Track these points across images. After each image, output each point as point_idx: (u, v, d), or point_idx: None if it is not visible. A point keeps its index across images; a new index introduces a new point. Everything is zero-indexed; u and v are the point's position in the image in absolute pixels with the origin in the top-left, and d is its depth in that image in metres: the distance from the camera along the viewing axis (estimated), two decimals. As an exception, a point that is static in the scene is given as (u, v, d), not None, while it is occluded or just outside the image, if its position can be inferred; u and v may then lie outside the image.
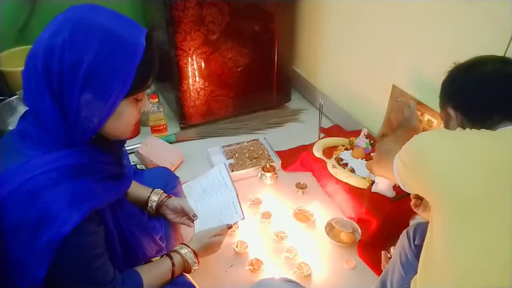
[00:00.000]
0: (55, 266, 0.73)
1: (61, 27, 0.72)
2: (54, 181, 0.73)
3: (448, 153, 0.74)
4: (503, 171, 0.70)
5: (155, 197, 1.19)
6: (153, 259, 1.06)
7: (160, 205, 1.19)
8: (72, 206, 0.73)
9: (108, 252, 0.84)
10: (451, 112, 0.88)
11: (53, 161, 0.75)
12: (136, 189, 1.18)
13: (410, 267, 1.07)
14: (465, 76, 0.89)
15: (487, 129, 0.79)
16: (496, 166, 0.70)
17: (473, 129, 0.78)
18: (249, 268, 1.37)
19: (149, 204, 1.18)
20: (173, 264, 1.01)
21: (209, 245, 1.11)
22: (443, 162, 0.73)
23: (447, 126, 0.91)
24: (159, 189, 1.21)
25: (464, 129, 0.82)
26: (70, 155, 0.76)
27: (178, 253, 1.05)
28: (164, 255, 1.04)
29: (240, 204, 1.21)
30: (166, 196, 1.21)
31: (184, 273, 1.07)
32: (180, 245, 1.08)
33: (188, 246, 1.08)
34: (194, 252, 1.07)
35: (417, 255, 1.06)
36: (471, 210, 0.71)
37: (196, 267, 1.07)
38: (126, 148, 1.86)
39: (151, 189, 1.20)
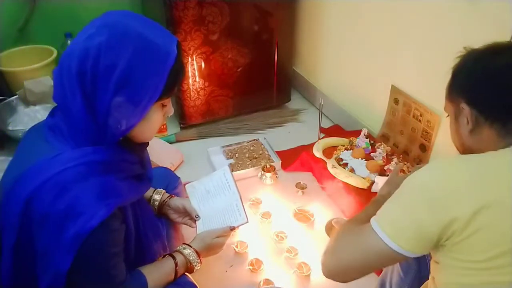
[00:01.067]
0: (77, 260, 0.74)
1: (99, 30, 0.74)
2: (83, 175, 0.75)
3: (464, 182, 0.65)
4: None
5: (157, 196, 1.19)
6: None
7: (162, 204, 1.19)
8: (100, 200, 0.75)
9: (124, 252, 0.85)
10: (465, 107, 0.75)
11: (83, 155, 0.77)
12: None
13: (408, 268, 1.07)
14: (483, 66, 0.74)
15: (507, 132, 0.71)
16: None
17: (486, 157, 0.69)
18: (249, 268, 1.37)
19: (152, 204, 1.18)
20: (176, 264, 1.01)
21: (212, 246, 1.11)
22: (465, 190, 0.65)
23: (456, 121, 0.79)
24: (161, 189, 1.22)
25: (479, 129, 0.74)
26: (99, 151, 0.78)
27: (181, 253, 1.05)
28: (167, 255, 1.04)
29: (244, 207, 1.21)
30: (169, 196, 1.21)
31: (186, 273, 1.07)
32: (183, 245, 1.09)
33: (191, 246, 1.08)
34: (197, 252, 1.07)
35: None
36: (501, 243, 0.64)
37: (199, 267, 1.08)
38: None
39: (153, 189, 1.21)
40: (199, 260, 1.07)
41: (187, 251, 1.06)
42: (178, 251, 1.06)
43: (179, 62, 0.80)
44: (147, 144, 0.93)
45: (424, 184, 0.68)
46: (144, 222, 0.96)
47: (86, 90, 0.74)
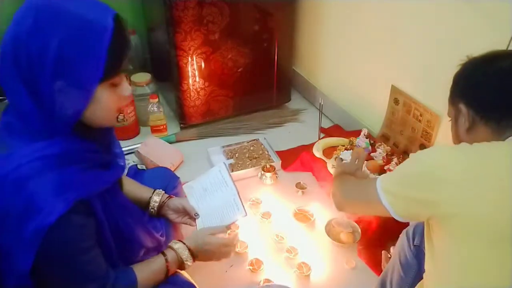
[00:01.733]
0: (42, 259, 0.73)
1: (25, 14, 0.71)
2: (39, 171, 0.73)
3: (460, 169, 0.71)
4: None
5: (156, 197, 1.18)
6: (155, 257, 1.06)
7: (161, 205, 1.19)
8: (57, 195, 0.72)
9: (100, 245, 0.83)
10: (463, 108, 0.82)
11: (37, 150, 0.74)
12: (138, 190, 1.18)
13: (409, 267, 1.07)
14: (482, 71, 0.83)
15: (501, 129, 0.77)
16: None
17: (483, 144, 0.76)
18: (249, 268, 1.37)
19: (151, 205, 1.17)
20: (166, 260, 1.00)
21: (206, 243, 1.09)
22: (456, 180, 0.71)
23: (456, 123, 0.86)
24: (161, 190, 1.21)
25: (475, 127, 0.81)
26: (54, 144, 0.75)
27: (172, 248, 1.04)
28: (160, 253, 1.03)
29: (241, 201, 1.21)
30: (167, 197, 1.21)
31: (183, 272, 1.07)
32: (174, 240, 1.07)
33: (183, 243, 1.06)
34: (189, 249, 1.05)
35: (416, 255, 1.06)
36: (485, 229, 0.70)
37: (190, 263, 1.05)
38: (126, 148, 1.87)
39: (153, 190, 1.20)
40: (190, 256, 1.05)
41: (177, 245, 1.04)
42: (170, 247, 1.05)
43: (120, 36, 0.74)
44: (111, 130, 0.90)
45: (423, 165, 0.76)
46: (121, 211, 0.91)
47: (25, 78, 0.71)
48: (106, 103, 0.78)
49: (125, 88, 0.82)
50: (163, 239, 1.12)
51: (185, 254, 1.04)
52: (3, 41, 0.72)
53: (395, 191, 0.80)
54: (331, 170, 1.64)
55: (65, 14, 0.71)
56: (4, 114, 0.80)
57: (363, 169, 1.19)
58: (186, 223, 1.23)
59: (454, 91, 0.87)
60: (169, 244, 1.06)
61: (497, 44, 1.21)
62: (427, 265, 0.85)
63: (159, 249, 1.08)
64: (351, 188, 1.00)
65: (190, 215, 1.21)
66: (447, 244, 0.76)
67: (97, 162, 0.83)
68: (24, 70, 0.70)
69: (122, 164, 0.93)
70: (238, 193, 1.22)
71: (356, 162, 1.15)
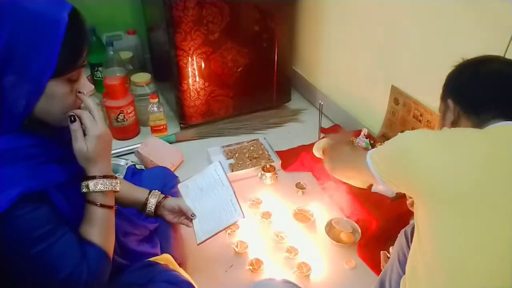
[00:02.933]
0: (2, 255, 0.71)
1: None
2: None
3: (434, 150, 0.78)
4: (492, 167, 0.73)
5: (153, 199, 1.16)
6: (151, 259, 1.06)
7: (157, 206, 1.18)
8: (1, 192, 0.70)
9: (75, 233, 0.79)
10: (451, 103, 0.91)
11: None
12: (134, 192, 1.17)
13: (408, 266, 1.07)
14: (469, 72, 0.91)
15: (480, 122, 0.84)
16: (485, 161, 0.74)
17: (459, 128, 0.85)
18: (249, 268, 1.37)
19: (148, 207, 1.16)
20: (92, 203, 0.84)
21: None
22: (430, 159, 0.77)
23: (444, 116, 0.94)
24: (157, 191, 1.19)
25: (459, 120, 0.89)
26: (1, 141, 0.74)
27: (88, 189, 0.84)
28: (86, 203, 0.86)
29: (238, 202, 1.20)
30: (163, 197, 1.20)
31: (182, 272, 1.06)
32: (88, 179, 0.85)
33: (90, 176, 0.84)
34: (104, 176, 0.85)
35: (416, 254, 1.06)
36: (460, 207, 0.73)
37: (118, 185, 0.87)
38: (126, 148, 1.87)
39: (148, 191, 1.18)
40: (112, 181, 0.86)
41: (87, 182, 0.83)
42: (86, 187, 0.84)
43: (76, 31, 0.73)
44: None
45: (402, 144, 0.85)
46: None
47: None
48: (59, 99, 0.76)
49: (83, 84, 0.80)
50: (152, 226, 1.10)
51: (106, 183, 0.85)
52: None
53: (381, 164, 0.88)
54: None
55: (16, 8, 0.70)
56: None
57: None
58: (183, 224, 1.22)
59: (445, 88, 0.95)
60: (83, 190, 0.84)
61: (497, 44, 1.22)
62: (411, 257, 0.89)
63: (151, 240, 1.07)
64: (346, 156, 1.10)
65: (186, 216, 1.21)
66: (424, 222, 0.80)
67: (52, 157, 0.80)
68: None
69: None
70: (234, 193, 1.22)
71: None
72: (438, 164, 0.76)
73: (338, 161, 1.12)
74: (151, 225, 1.11)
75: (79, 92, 0.80)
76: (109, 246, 0.86)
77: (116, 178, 0.87)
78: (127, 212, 1.04)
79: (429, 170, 0.76)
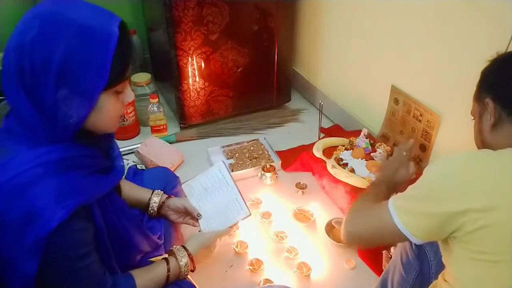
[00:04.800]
0: (42, 264, 0.73)
1: (29, 24, 0.70)
2: (39, 177, 0.72)
3: (484, 172, 0.69)
4: None
5: (156, 198, 1.18)
6: (153, 258, 1.06)
7: (160, 206, 1.18)
8: (58, 202, 0.72)
9: (98, 251, 0.83)
10: (490, 103, 0.79)
11: (38, 156, 0.74)
12: (136, 191, 1.18)
13: (410, 267, 1.07)
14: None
15: None
16: None
17: (506, 149, 0.73)
18: (249, 268, 1.37)
19: (150, 206, 1.17)
20: (168, 270, 0.99)
21: (206, 243, 1.10)
22: (483, 179, 0.69)
23: (479, 118, 0.83)
24: (159, 190, 1.21)
25: (501, 124, 0.78)
26: (55, 150, 0.75)
27: (177, 259, 1.02)
28: (162, 259, 1.02)
29: (244, 201, 1.21)
30: (167, 197, 1.20)
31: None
32: (182, 251, 1.05)
33: (187, 250, 1.05)
34: (191, 259, 1.04)
35: (418, 255, 1.06)
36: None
37: (186, 271, 1.04)
38: (126, 148, 1.87)
39: (151, 191, 1.19)
40: (191, 268, 1.04)
41: (183, 262, 1.02)
42: (175, 256, 1.03)
43: (125, 44, 0.75)
44: (111, 135, 0.90)
45: (441, 176, 0.73)
46: (119, 217, 0.91)
47: (27, 87, 0.71)
48: (109, 110, 0.78)
49: (128, 95, 0.83)
50: (161, 242, 1.12)
51: (186, 271, 1.03)
52: (6, 49, 0.73)
53: (410, 208, 0.76)
54: (331, 170, 1.64)
55: (70, 23, 0.70)
56: (5, 118, 0.80)
57: (406, 168, 1.07)
58: (188, 224, 1.22)
59: (481, 86, 0.84)
60: (176, 253, 1.04)
61: (497, 44, 1.21)
62: (447, 274, 0.82)
63: (156, 248, 1.08)
64: (362, 213, 0.89)
65: (191, 216, 1.21)
66: (471, 262, 0.72)
67: (96, 167, 0.83)
68: (28, 79, 0.71)
69: (121, 167, 0.93)
70: (240, 192, 1.22)
71: (397, 158, 1.08)
72: (492, 187, 0.67)
73: (354, 222, 0.90)
74: (159, 240, 1.12)
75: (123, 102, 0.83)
76: None
77: (189, 273, 1.05)
78: (143, 226, 1.07)
79: (487, 192, 0.67)
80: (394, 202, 0.78)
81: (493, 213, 0.67)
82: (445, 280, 0.81)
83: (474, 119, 0.87)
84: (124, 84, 0.80)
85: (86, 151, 0.80)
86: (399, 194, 0.81)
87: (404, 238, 0.76)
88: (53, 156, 0.75)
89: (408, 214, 0.75)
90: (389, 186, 1.02)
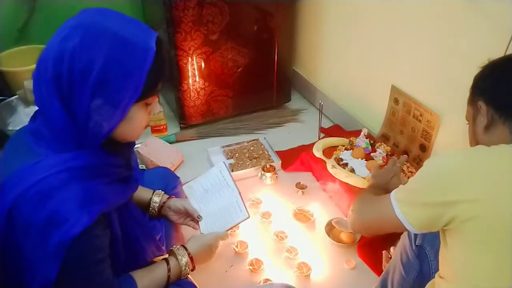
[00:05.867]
0: (61, 267, 0.73)
1: (72, 32, 0.72)
2: (65, 182, 0.73)
3: (477, 170, 0.73)
4: None
5: (156, 198, 1.18)
6: (155, 258, 1.06)
7: (161, 206, 1.18)
8: (83, 208, 0.73)
9: (111, 256, 0.84)
10: (482, 105, 0.83)
11: (64, 161, 0.75)
12: (138, 191, 1.17)
13: (410, 267, 1.07)
14: (501, 69, 0.86)
15: None
16: None
17: (499, 145, 0.76)
18: (249, 268, 1.37)
19: (151, 206, 1.17)
20: (168, 270, 0.99)
21: (206, 245, 1.10)
22: (474, 178, 0.72)
23: (473, 121, 0.87)
24: (160, 190, 1.21)
25: (493, 126, 0.81)
26: (81, 156, 0.76)
27: (177, 259, 1.02)
28: (162, 259, 1.02)
29: (244, 203, 1.21)
30: (168, 197, 1.21)
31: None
32: (182, 250, 1.05)
33: (187, 250, 1.05)
34: (191, 259, 1.04)
35: (418, 255, 1.06)
36: (503, 232, 0.70)
37: (188, 271, 1.05)
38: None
39: (152, 191, 1.20)
40: (191, 268, 1.05)
41: (183, 261, 1.03)
42: (175, 256, 1.03)
43: (160, 58, 0.77)
44: (133, 144, 0.92)
45: (439, 170, 0.77)
46: (133, 225, 0.93)
47: (63, 94, 0.72)
48: (137, 121, 0.80)
49: (156, 107, 0.86)
50: (163, 247, 1.12)
51: (185, 269, 1.03)
52: (43, 55, 0.74)
53: (410, 200, 0.80)
54: (331, 170, 1.64)
55: (111, 35, 0.72)
56: (32, 121, 0.81)
57: (398, 178, 1.18)
58: (188, 225, 1.23)
59: (474, 90, 0.88)
60: (176, 253, 1.04)
61: (497, 44, 1.22)
62: (442, 270, 0.84)
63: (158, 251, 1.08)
64: (366, 204, 0.98)
65: (192, 217, 1.21)
66: (464, 251, 0.75)
67: (118, 176, 0.84)
68: (64, 87, 0.72)
69: (138, 176, 0.97)
70: (240, 194, 1.22)
71: (392, 168, 1.18)
72: (483, 184, 0.71)
73: (361, 214, 0.98)
74: (163, 248, 1.13)
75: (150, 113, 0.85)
76: None
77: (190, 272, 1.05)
78: (155, 236, 1.07)
79: (476, 190, 0.71)
80: (396, 194, 0.84)
81: (483, 204, 0.71)
82: (441, 277, 0.83)
83: (468, 123, 0.90)
84: (154, 97, 0.83)
85: (110, 159, 0.82)
86: (401, 186, 0.86)
87: (404, 228, 0.81)
88: (78, 162, 0.76)
89: (408, 205, 0.80)
90: (383, 190, 1.09)
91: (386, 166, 1.21)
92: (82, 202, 0.73)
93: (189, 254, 1.05)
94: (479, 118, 0.84)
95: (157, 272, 0.98)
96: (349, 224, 1.01)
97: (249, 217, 1.18)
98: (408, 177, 1.52)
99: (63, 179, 0.73)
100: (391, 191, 0.87)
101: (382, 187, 1.12)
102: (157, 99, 0.84)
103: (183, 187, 1.29)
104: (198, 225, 1.20)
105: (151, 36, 0.76)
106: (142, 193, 1.18)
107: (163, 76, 0.81)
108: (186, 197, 1.25)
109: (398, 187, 1.05)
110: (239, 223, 1.19)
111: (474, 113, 0.87)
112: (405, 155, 1.24)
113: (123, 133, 0.80)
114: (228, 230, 1.18)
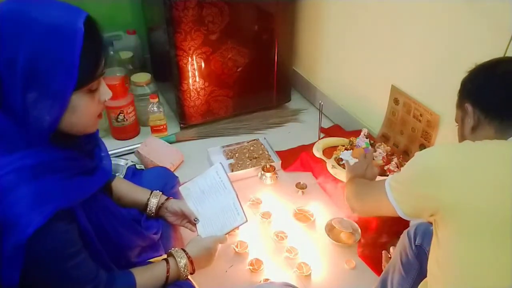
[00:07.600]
0: (28, 269, 0.71)
1: None
2: (13, 184, 0.70)
3: (460, 167, 0.75)
4: None
5: (154, 199, 1.17)
6: (152, 259, 1.06)
7: (159, 207, 1.18)
8: (34, 208, 0.70)
9: (88, 250, 0.82)
10: (469, 108, 0.87)
11: (11, 163, 0.71)
12: (135, 192, 1.17)
13: (410, 267, 1.07)
14: (486, 73, 0.89)
15: (504, 129, 0.81)
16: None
17: (484, 141, 0.79)
18: (249, 268, 1.37)
19: (149, 207, 1.16)
20: (167, 270, 0.99)
21: (206, 249, 1.10)
22: (456, 176, 0.74)
23: (462, 123, 0.91)
24: (158, 191, 1.20)
25: (480, 126, 0.85)
26: (30, 155, 0.73)
27: (175, 260, 1.02)
28: (162, 259, 1.02)
29: (241, 205, 1.20)
30: (166, 198, 1.20)
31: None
32: (180, 252, 1.05)
33: (186, 253, 1.05)
34: (191, 262, 1.04)
35: (417, 255, 1.06)
36: (484, 224, 0.72)
37: (187, 273, 1.05)
38: (126, 148, 1.87)
39: (150, 191, 1.19)
40: (190, 271, 1.04)
41: (182, 263, 1.02)
42: (172, 256, 1.03)
43: (93, 40, 0.71)
44: (93, 135, 0.87)
45: (425, 163, 0.80)
46: (106, 215, 0.89)
47: None
48: (83, 110, 0.75)
49: (104, 93, 0.79)
50: (157, 236, 1.11)
51: (186, 273, 1.03)
52: None
53: (400, 188, 0.85)
54: (331, 170, 1.64)
55: (32, 22, 0.67)
56: None
57: (372, 168, 1.29)
58: (186, 227, 1.22)
59: (461, 93, 0.92)
60: (175, 255, 1.03)
61: (497, 44, 1.22)
62: (431, 266, 0.86)
63: (155, 248, 1.08)
64: (363, 189, 1.07)
65: (189, 219, 1.21)
66: (451, 241, 0.77)
67: (78, 169, 0.80)
68: None
69: (109, 166, 0.91)
70: (237, 196, 1.22)
71: (364, 160, 1.27)
72: (464, 182, 0.73)
73: (360, 197, 1.07)
74: (156, 236, 1.12)
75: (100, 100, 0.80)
76: None
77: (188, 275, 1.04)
78: (134, 224, 1.05)
79: (456, 188, 0.73)
80: (390, 181, 0.88)
81: (464, 199, 0.73)
82: (431, 273, 0.85)
83: (457, 125, 0.94)
84: (98, 82, 0.77)
85: (65, 154, 0.77)
86: (395, 174, 0.95)
87: (396, 211, 0.86)
88: (27, 162, 0.72)
89: (398, 192, 0.85)
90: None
91: (358, 160, 1.32)
92: (33, 202, 0.70)
93: (189, 257, 1.04)
94: (467, 120, 0.88)
95: (156, 270, 0.98)
96: (350, 206, 1.10)
97: (247, 221, 1.18)
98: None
99: (11, 181, 0.70)
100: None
101: (361, 178, 1.22)
102: (104, 84, 0.79)
103: (180, 188, 1.28)
104: (195, 227, 1.20)
105: (79, 18, 0.70)
106: (139, 193, 1.18)
107: (101, 59, 0.75)
108: (183, 199, 1.25)
109: (375, 175, 1.28)
110: (237, 227, 1.19)
111: (462, 115, 0.90)
112: (371, 149, 1.43)
113: (71, 124, 0.75)
114: (226, 234, 1.18)
